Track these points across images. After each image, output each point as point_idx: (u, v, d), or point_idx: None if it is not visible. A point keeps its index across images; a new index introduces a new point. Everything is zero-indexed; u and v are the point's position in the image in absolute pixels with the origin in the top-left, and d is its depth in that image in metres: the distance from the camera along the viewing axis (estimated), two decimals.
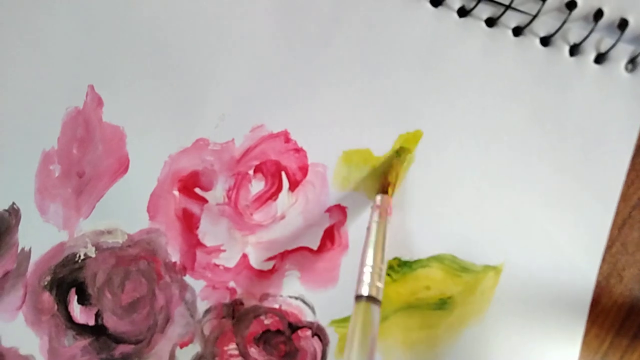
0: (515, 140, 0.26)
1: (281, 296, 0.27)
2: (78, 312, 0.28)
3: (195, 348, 0.27)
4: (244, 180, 0.27)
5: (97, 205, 0.28)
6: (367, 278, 0.22)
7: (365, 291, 0.22)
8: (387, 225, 0.24)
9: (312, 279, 0.27)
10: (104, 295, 0.28)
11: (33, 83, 0.28)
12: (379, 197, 0.25)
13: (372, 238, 0.24)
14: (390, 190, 0.25)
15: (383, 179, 0.26)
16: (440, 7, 0.26)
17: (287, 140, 0.27)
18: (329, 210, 0.27)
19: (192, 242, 0.27)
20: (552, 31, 0.25)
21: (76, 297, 0.28)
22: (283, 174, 0.27)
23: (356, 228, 0.27)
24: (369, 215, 0.25)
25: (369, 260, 0.23)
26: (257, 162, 0.27)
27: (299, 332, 0.27)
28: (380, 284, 0.22)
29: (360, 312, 0.21)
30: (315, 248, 0.27)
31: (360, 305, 0.22)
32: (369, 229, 0.24)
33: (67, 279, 0.28)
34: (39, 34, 0.28)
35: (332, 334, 0.27)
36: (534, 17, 0.25)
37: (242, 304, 0.27)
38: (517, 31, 0.25)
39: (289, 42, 0.27)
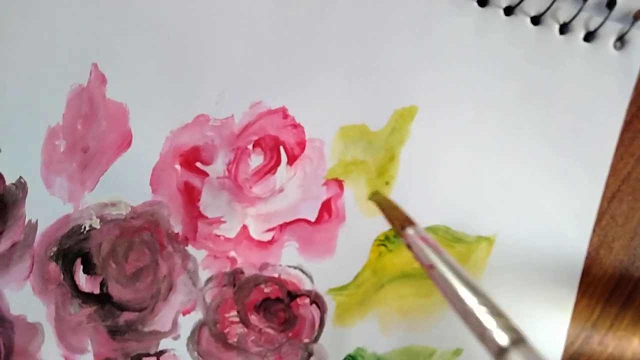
0: (508, 115, 0.26)
1: (280, 265, 0.27)
2: (83, 281, 0.28)
3: (197, 315, 0.28)
4: (243, 155, 0.27)
5: (101, 179, 0.28)
6: (490, 324, 0.15)
7: (504, 340, 0.15)
8: (450, 256, 0.18)
9: (310, 249, 0.27)
10: (109, 264, 0.28)
11: (38, 62, 0.29)
12: (411, 232, 0.19)
13: (451, 277, 0.17)
14: (408, 221, 0.20)
15: (397, 213, 0.21)
16: None
17: (285, 116, 0.27)
18: (326, 183, 0.27)
19: (193, 214, 0.28)
20: (542, 10, 0.25)
21: (82, 266, 0.28)
22: (281, 148, 0.27)
23: (352, 200, 0.27)
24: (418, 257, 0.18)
25: (473, 302, 0.16)
26: (256, 137, 0.27)
27: (298, 300, 0.27)
28: (506, 319, 0.15)
29: None
30: (313, 220, 0.27)
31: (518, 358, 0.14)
32: (432, 268, 0.17)
33: (72, 250, 0.28)
34: (43, 14, 0.29)
35: (329, 302, 0.27)
36: None
37: (242, 273, 0.27)
38: (509, 10, 0.26)
39: (287, 20, 0.27)
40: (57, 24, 0.29)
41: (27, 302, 0.29)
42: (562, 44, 0.26)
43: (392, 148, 0.27)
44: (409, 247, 0.19)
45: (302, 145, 0.27)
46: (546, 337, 0.26)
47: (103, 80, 0.28)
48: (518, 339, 0.15)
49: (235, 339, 0.28)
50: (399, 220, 0.20)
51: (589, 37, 0.25)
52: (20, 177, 0.29)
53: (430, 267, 0.17)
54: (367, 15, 0.27)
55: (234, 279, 0.28)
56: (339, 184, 0.27)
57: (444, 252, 0.17)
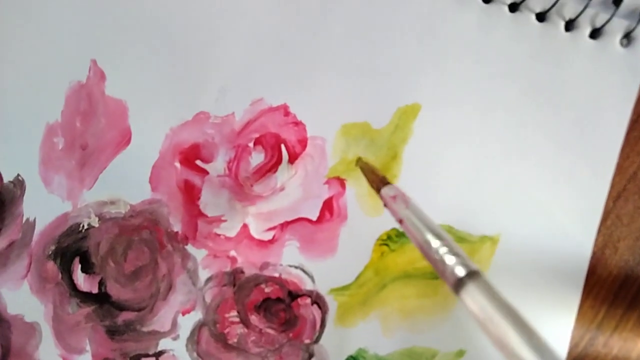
0: (512, 113, 0.26)
1: (281, 265, 0.27)
2: (82, 281, 0.28)
3: (197, 315, 0.28)
4: (244, 153, 0.27)
5: (100, 176, 0.28)
6: (450, 260, 0.17)
7: (461, 271, 0.17)
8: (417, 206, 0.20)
9: (312, 249, 0.27)
10: (107, 263, 0.28)
11: (37, 58, 0.28)
12: (387, 189, 0.21)
13: (418, 223, 0.19)
14: (384, 182, 0.22)
15: (374, 176, 0.23)
16: None
17: (287, 113, 0.27)
18: (328, 182, 0.27)
19: (193, 213, 0.27)
20: (548, 7, 0.25)
21: (80, 265, 0.28)
22: (282, 146, 0.27)
23: (354, 199, 0.27)
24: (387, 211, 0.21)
25: (435, 243, 0.18)
26: (257, 135, 0.27)
27: (299, 300, 0.27)
28: (463, 255, 0.18)
29: (476, 294, 0.16)
30: (314, 219, 0.27)
31: (469, 287, 0.16)
32: (402, 221, 0.20)
33: (71, 248, 0.28)
34: (42, 10, 0.28)
35: (331, 302, 0.27)
36: None
37: (242, 272, 0.27)
38: (513, 7, 0.26)
39: (288, 16, 0.27)
40: (56, 19, 0.28)
41: (24, 301, 0.28)
42: (568, 41, 0.26)
43: (394, 146, 0.26)
44: (385, 205, 0.21)
45: (303, 143, 0.27)
46: (550, 338, 0.25)
47: (102, 76, 0.28)
48: (473, 272, 0.17)
49: (236, 340, 0.27)
50: (375, 182, 0.22)
51: (595, 34, 0.25)
52: (18, 175, 0.29)
53: (400, 221, 0.20)
54: (369, 12, 0.26)
55: (234, 279, 0.27)
56: (341, 182, 0.27)
57: (413, 205, 0.20)
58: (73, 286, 0.28)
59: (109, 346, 0.28)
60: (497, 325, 0.15)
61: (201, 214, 0.27)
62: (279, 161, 0.27)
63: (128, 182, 0.28)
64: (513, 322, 0.15)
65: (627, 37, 0.25)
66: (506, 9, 0.26)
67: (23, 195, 0.29)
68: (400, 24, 0.26)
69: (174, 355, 0.28)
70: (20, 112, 0.29)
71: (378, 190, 0.22)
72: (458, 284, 0.17)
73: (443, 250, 0.18)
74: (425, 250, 0.18)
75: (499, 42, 0.26)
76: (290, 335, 0.27)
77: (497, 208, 0.26)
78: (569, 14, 0.25)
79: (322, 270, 0.27)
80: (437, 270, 0.18)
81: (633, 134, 0.26)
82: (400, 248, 0.27)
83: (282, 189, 0.27)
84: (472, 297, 0.16)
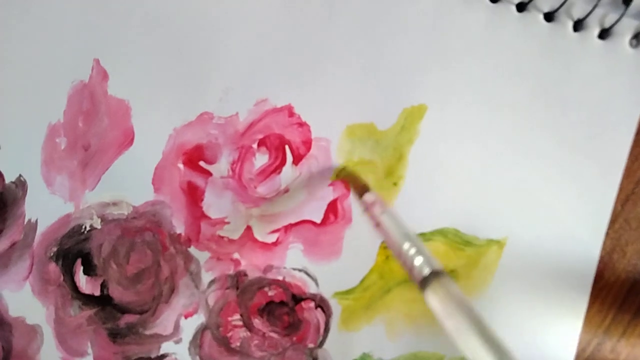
0: (519, 115, 0.26)
1: (285, 268, 0.27)
2: (84, 283, 0.28)
3: (199, 318, 0.28)
4: (248, 154, 0.27)
5: (102, 177, 0.28)
6: (417, 261, 0.19)
7: (426, 271, 0.19)
8: (393, 212, 0.22)
9: (316, 252, 0.27)
10: (110, 266, 0.28)
11: (39, 57, 0.28)
12: (368, 196, 0.23)
13: (392, 227, 0.21)
14: (364, 189, 0.24)
15: (356, 184, 0.25)
16: None
17: (291, 114, 0.27)
18: (332, 184, 0.27)
19: (196, 214, 0.27)
20: (556, 6, 0.25)
21: (82, 267, 0.28)
22: (287, 147, 0.27)
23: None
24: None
25: (406, 245, 0.20)
26: (261, 136, 0.27)
27: (303, 303, 0.27)
28: (430, 257, 0.19)
29: (438, 291, 0.18)
30: (318, 221, 0.27)
31: (435, 284, 0.18)
32: (378, 225, 0.22)
33: (73, 250, 0.28)
34: (44, 8, 0.28)
35: (335, 306, 0.27)
36: None
37: (246, 275, 0.27)
38: (521, 7, 0.25)
39: (293, 16, 0.27)
40: (58, 18, 0.28)
41: (26, 303, 0.28)
42: (576, 42, 0.25)
43: (400, 147, 0.26)
44: (364, 210, 0.23)
45: (308, 144, 0.27)
46: (557, 343, 0.26)
47: (105, 76, 0.28)
48: (436, 272, 0.18)
49: (238, 343, 0.27)
50: (357, 189, 0.24)
51: (604, 34, 0.25)
52: (20, 176, 0.29)
53: (377, 225, 0.22)
54: (375, 11, 0.26)
55: (238, 282, 0.27)
56: (346, 184, 0.27)
57: (389, 211, 0.22)
58: (75, 288, 0.28)
59: (111, 349, 0.28)
60: (455, 320, 0.17)
61: (204, 216, 0.27)
62: (283, 162, 0.27)
63: (131, 183, 0.28)
64: (469, 317, 0.17)
65: (637, 37, 0.25)
66: (514, 8, 0.25)
67: (25, 196, 0.28)
68: (406, 23, 0.26)
69: (176, 359, 0.28)
70: (22, 112, 0.29)
71: (360, 196, 0.24)
72: (423, 282, 0.18)
73: (412, 251, 0.19)
74: (397, 252, 0.20)
75: (506, 42, 0.26)
76: (294, 339, 0.27)
77: (504, 211, 0.26)
78: (578, 14, 0.25)
79: (326, 274, 0.27)
80: (407, 270, 0.20)
81: None
82: None
83: (286, 190, 0.27)
84: (434, 294, 0.18)
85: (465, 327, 0.16)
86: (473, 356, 0.16)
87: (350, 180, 0.25)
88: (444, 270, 0.19)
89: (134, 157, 0.28)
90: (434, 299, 0.18)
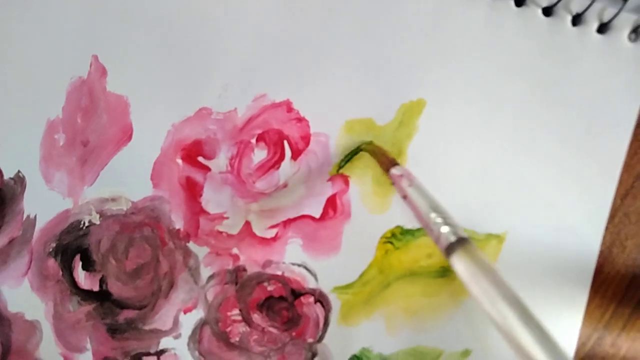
0: (518, 109, 0.26)
1: (284, 263, 0.27)
2: (83, 278, 0.28)
3: (198, 313, 0.28)
4: (246, 149, 0.27)
5: (101, 173, 0.28)
6: (444, 229, 0.20)
7: (452, 238, 0.19)
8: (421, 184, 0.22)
9: (315, 247, 0.27)
10: (108, 261, 0.28)
11: (38, 53, 0.28)
12: (395, 170, 0.23)
13: (420, 199, 0.21)
14: (392, 163, 0.24)
15: (384, 158, 0.25)
16: None
17: (290, 109, 0.27)
18: (331, 179, 0.27)
19: (195, 210, 0.27)
20: (555, 1, 0.25)
21: (81, 263, 0.28)
22: (285, 142, 0.27)
23: (358, 196, 0.27)
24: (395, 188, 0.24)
25: (433, 215, 0.20)
26: (259, 131, 0.27)
27: (302, 298, 0.27)
28: (457, 225, 0.20)
29: (464, 257, 0.18)
30: (317, 216, 0.27)
31: (461, 251, 0.18)
32: (406, 197, 0.22)
33: (71, 246, 0.28)
34: (43, 4, 0.28)
35: (334, 301, 0.27)
36: None
37: (245, 270, 0.27)
38: (520, 1, 0.25)
39: (292, 12, 0.27)
40: (57, 14, 0.28)
41: (25, 299, 0.28)
42: (575, 36, 0.25)
43: (399, 143, 0.26)
44: (392, 183, 0.23)
45: (306, 139, 0.27)
46: (557, 337, 0.25)
47: (103, 72, 0.28)
48: (462, 239, 0.19)
49: (238, 338, 0.27)
50: (385, 164, 0.24)
51: (603, 28, 0.25)
52: (19, 171, 0.29)
53: (404, 197, 0.22)
54: (374, 7, 0.26)
55: (237, 277, 0.27)
56: (345, 179, 0.27)
57: (417, 183, 0.22)
58: (74, 284, 0.28)
59: (109, 345, 0.28)
60: (480, 284, 0.17)
61: (203, 211, 0.27)
62: (281, 158, 0.27)
63: (129, 178, 0.28)
64: (494, 282, 0.17)
65: (636, 31, 0.25)
66: (512, 3, 0.25)
67: (24, 192, 0.28)
68: (404, 18, 0.26)
69: (175, 354, 0.28)
70: (21, 108, 0.29)
71: (387, 170, 0.24)
72: (449, 249, 0.19)
73: (439, 220, 0.20)
74: (425, 222, 0.21)
75: (505, 37, 0.25)
76: (293, 334, 0.27)
77: (503, 206, 0.26)
78: (576, 8, 0.25)
79: (326, 269, 0.27)
80: (433, 238, 0.20)
81: None
82: (405, 246, 0.26)
83: (284, 185, 0.27)
84: (460, 260, 0.18)
85: (491, 291, 0.17)
86: (499, 319, 0.16)
87: (377, 155, 0.25)
88: (469, 238, 0.19)
89: (133, 152, 0.28)
90: (459, 264, 0.18)
